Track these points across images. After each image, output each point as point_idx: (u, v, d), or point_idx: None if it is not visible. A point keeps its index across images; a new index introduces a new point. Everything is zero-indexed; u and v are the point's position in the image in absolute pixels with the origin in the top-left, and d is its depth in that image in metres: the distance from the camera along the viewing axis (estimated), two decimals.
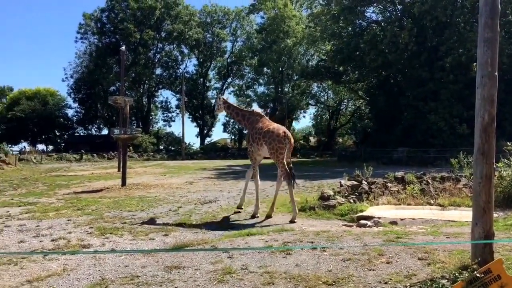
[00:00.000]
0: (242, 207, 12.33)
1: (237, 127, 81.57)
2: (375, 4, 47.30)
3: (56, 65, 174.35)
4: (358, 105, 73.26)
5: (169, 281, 5.50)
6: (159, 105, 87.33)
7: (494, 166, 5.33)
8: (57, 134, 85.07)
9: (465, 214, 9.62)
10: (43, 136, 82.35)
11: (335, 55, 49.42)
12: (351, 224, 9.69)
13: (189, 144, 77.80)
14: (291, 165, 11.35)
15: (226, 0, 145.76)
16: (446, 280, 4.88)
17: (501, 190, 11.41)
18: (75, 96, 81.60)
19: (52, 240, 8.35)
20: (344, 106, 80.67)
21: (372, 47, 42.85)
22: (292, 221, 10.29)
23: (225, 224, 9.86)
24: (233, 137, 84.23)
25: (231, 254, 6.67)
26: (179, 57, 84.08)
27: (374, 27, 48.50)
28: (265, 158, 12.14)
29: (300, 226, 9.38)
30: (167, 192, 17.41)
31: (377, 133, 47.21)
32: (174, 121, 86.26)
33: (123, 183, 20.49)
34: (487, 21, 5.13)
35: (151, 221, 10.48)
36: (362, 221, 9.54)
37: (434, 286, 4.79)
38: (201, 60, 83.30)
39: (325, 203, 11.51)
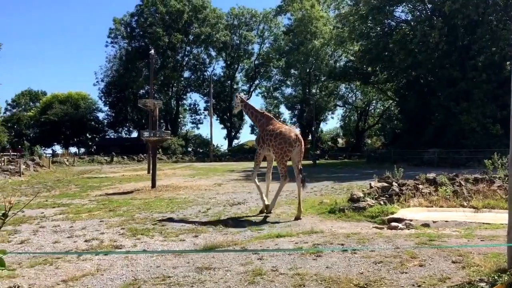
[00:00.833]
0: (271, 210, 12.16)
1: None
2: (404, 4, 46.72)
3: (87, 70, 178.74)
4: (387, 106, 72.40)
5: (200, 282, 5.54)
6: (187, 108, 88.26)
7: None
8: (89, 137, 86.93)
9: (500, 217, 9.37)
10: (75, 139, 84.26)
11: (363, 55, 49.01)
12: (381, 226, 9.55)
13: (217, 146, 78.26)
14: (301, 167, 11.82)
15: (253, 2, 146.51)
16: (484, 283, 4.76)
17: None
18: (106, 99, 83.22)
19: (86, 241, 8.52)
20: (372, 107, 79.88)
21: (402, 47, 42.31)
22: (297, 218, 10.86)
23: (254, 226, 9.86)
24: None
25: (261, 256, 6.67)
26: (207, 59, 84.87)
27: (403, 27, 47.83)
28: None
29: (329, 228, 9.30)
30: (196, 193, 17.56)
31: (407, 134, 46.51)
32: (202, 123, 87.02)
33: (153, 185, 20.76)
34: None
35: (181, 223, 10.58)
36: (393, 223, 9.39)
37: None
38: (229, 62, 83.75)
39: (354, 205, 11.38)
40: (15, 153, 51.65)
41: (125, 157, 59.66)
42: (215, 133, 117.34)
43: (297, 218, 11.01)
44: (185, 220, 11.04)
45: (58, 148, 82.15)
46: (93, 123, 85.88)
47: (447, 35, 39.27)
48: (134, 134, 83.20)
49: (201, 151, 74.62)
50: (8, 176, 27.76)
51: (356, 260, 6.23)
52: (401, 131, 52.63)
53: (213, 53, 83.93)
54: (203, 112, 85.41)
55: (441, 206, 11.65)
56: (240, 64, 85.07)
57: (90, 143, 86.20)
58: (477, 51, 38.66)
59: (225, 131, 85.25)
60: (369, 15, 45.30)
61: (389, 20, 48.50)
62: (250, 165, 45.36)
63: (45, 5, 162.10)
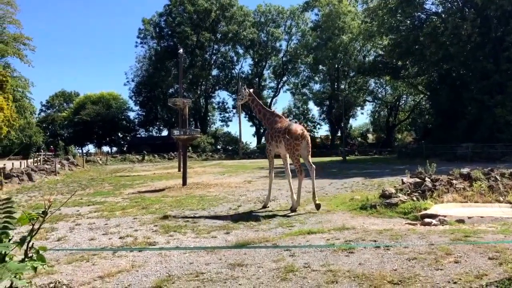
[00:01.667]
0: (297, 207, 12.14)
1: None
2: None
3: (118, 70, 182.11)
4: (418, 100, 71.13)
5: (233, 278, 5.59)
6: (216, 106, 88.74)
7: None
8: (120, 136, 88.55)
9: None
10: (107, 138, 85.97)
11: (393, 49, 48.25)
12: (414, 222, 9.40)
13: (246, 143, 78.48)
14: (311, 162, 12.48)
15: None
16: None
17: None
18: (136, 99, 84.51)
19: (120, 238, 8.71)
20: (403, 101, 78.60)
21: (433, 40, 41.44)
22: (293, 210, 11.58)
23: (285, 222, 9.87)
24: None
25: (293, 252, 6.67)
26: (235, 57, 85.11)
27: (434, 19, 46.82)
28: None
29: (361, 224, 9.22)
30: (227, 191, 17.67)
31: (439, 129, 45.60)
32: (231, 121, 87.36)
33: (184, 182, 21.01)
34: None
35: (212, 220, 10.68)
36: (427, 219, 9.23)
37: None
38: (256, 59, 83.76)
39: (386, 201, 11.23)
40: (50, 153, 53.06)
41: (156, 155, 60.54)
42: (244, 130, 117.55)
43: (318, 207, 11.59)
44: (216, 217, 11.14)
45: (91, 148, 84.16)
46: (124, 122, 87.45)
47: (480, 26, 38.24)
48: (165, 133, 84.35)
49: (230, 148, 74.97)
50: (45, 175, 28.55)
51: (389, 257, 6.17)
52: (432, 126, 51.66)
53: (241, 51, 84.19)
54: (232, 110, 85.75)
55: (476, 202, 11.38)
56: (268, 61, 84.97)
57: (121, 142, 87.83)
58: (511, 43, 37.49)
59: (253, 129, 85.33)
60: (398, 8, 44.52)
61: (419, 13, 47.48)
62: (279, 162, 45.29)
63: (77, 9, 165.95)
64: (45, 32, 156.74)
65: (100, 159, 55.07)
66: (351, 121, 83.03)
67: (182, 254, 7.04)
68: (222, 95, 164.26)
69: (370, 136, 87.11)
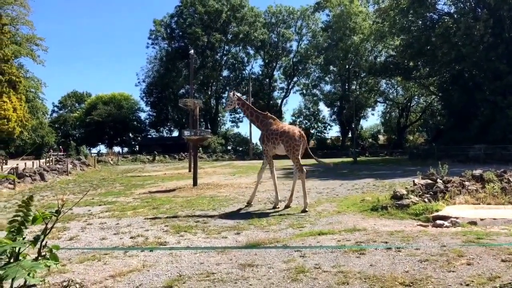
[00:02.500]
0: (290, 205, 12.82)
1: (303, 126, 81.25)
2: None
3: (129, 71, 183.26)
4: (429, 101, 70.64)
5: (244, 278, 5.59)
6: None
7: None
8: (131, 136, 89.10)
9: None
10: (118, 139, 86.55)
11: (404, 50, 47.95)
12: (426, 224, 9.34)
13: (256, 144, 78.36)
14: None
15: (290, 0, 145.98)
16: None
17: None
18: (147, 99, 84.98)
19: (131, 238, 8.75)
20: (414, 102, 78.10)
21: (445, 40, 41.09)
22: (303, 211, 11.66)
23: (295, 223, 9.85)
24: None
25: (303, 253, 6.67)
26: (245, 58, 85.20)
27: (446, 20, 46.43)
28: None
29: (372, 225, 9.18)
30: (237, 191, 17.69)
31: (451, 130, 45.20)
32: (241, 121, 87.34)
33: (195, 183, 21.07)
34: None
35: (223, 220, 10.69)
36: (439, 221, 9.16)
37: None
38: (267, 60, 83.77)
39: (398, 202, 11.17)
40: (62, 153, 53.57)
41: (167, 156, 60.78)
42: (254, 131, 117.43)
43: (304, 210, 11.78)
44: (227, 217, 11.15)
45: (102, 148, 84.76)
46: (135, 123, 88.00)
47: (493, 27, 37.84)
48: (175, 133, 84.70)
49: (240, 149, 75.08)
50: (57, 175, 28.80)
51: (400, 258, 6.14)
52: (444, 127, 51.23)
53: (251, 52, 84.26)
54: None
55: (489, 204, 11.27)
56: (278, 62, 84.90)
57: (132, 143, 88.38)
58: None
59: None
60: (410, 8, 44.21)
61: (431, 13, 47.11)
62: (289, 162, 45.25)
63: (88, 10, 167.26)
64: (57, 33, 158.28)
65: (111, 159, 55.41)
66: (362, 122, 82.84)
67: (192, 254, 7.06)
68: None
69: (381, 137, 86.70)
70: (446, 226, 8.82)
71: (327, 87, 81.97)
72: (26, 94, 59.57)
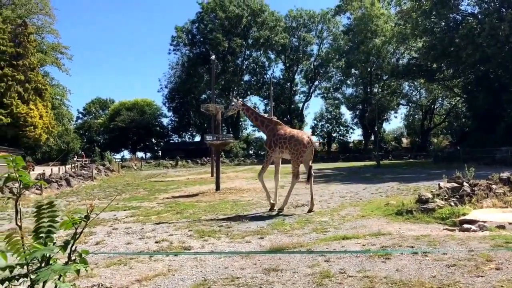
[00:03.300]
0: (284, 208, 13.19)
1: (325, 130, 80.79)
2: None
3: (152, 77, 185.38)
4: (454, 103, 69.52)
5: (268, 283, 5.58)
6: None
7: None
8: (154, 141, 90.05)
9: None
10: (142, 144, 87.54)
11: (427, 52, 47.35)
12: (453, 228, 9.16)
13: None
14: (312, 165, 13.52)
15: (311, 3, 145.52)
16: None
17: None
18: (170, 105, 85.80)
19: (156, 242, 8.83)
20: (438, 104, 76.92)
21: (469, 41, 40.45)
22: (310, 211, 12.37)
23: (319, 228, 9.79)
24: (321, 140, 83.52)
25: (328, 258, 6.62)
26: (266, 62, 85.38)
27: (469, 20, 45.73)
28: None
29: (397, 230, 9.06)
30: (260, 196, 17.68)
31: (476, 132, 44.42)
32: None
33: (217, 187, 21.14)
34: None
35: (246, 224, 10.70)
36: (465, 225, 8.99)
37: None
38: (288, 64, 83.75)
39: (423, 206, 10.99)
40: (81, 159, 54.44)
41: (189, 160, 61.16)
42: None
43: (310, 210, 12.44)
44: (250, 222, 11.15)
45: (126, 153, 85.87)
46: (158, 128, 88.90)
47: None
48: (197, 138, 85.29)
49: (262, 153, 74.96)
50: (82, 180, 29.28)
51: (427, 263, 6.04)
52: (470, 129, 50.41)
53: (272, 56, 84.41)
54: (263, 115, 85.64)
55: None
56: (299, 66, 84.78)
57: (155, 148, 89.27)
58: None
59: None
60: (433, 9, 43.71)
61: (454, 14, 46.48)
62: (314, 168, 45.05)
63: (111, 18, 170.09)
64: (80, 41, 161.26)
65: (135, 165, 56.08)
66: (385, 125, 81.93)
67: (217, 258, 7.09)
68: (254, 100, 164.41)
69: (404, 140, 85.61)
70: (474, 230, 8.65)
71: (349, 90, 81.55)
72: (52, 102, 60.83)
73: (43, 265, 2.97)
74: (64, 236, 7.53)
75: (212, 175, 30.52)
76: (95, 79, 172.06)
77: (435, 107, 76.65)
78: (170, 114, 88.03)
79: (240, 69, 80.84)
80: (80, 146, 74.74)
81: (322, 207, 13.41)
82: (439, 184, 12.98)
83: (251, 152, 77.32)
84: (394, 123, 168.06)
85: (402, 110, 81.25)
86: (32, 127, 49.35)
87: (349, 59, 70.33)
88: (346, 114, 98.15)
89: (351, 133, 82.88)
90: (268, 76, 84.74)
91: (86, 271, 3.11)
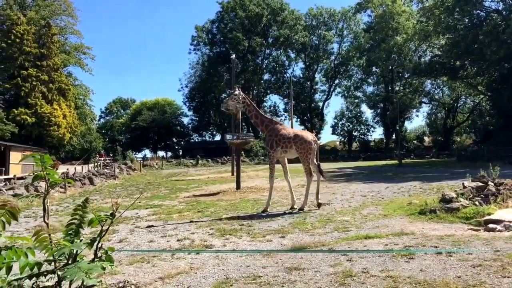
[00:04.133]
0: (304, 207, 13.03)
1: (345, 129, 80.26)
2: None
3: (173, 77, 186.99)
4: (477, 101, 68.31)
5: (290, 282, 5.57)
6: (267, 110, 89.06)
7: None
8: (175, 141, 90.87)
9: None
10: (162, 143, 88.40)
11: (450, 49, 46.64)
12: (477, 228, 9.00)
13: None
14: (319, 162, 13.64)
15: (331, 1, 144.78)
16: None
17: None
18: (190, 104, 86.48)
19: (178, 240, 8.89)
20: (461, 103, 75.75)
21: (493, 38, 39.69)
22: (301, 209, 12.64)
23: (340, 227, 9.73)
24: (342, 139, 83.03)
25: (350, 257, 6.58)
26: (286, 61, 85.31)
27: (494, 17, 44.81)
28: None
29: (420, 229, 8.94)
30: (280, 195, 17.65)
31: (501, 131, 43.59)
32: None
33: (238, 186, 21.20)
34: None
35: (267, 223, 10.70)
36: (491, 225, 8.82)
37: None
38: (308, 63, 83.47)
39: (447, 205, 10.83)
40: (101, 158, 55.18)
41: (210, 159, 61.49)
42: None
43: (319, 205, 12.90)
44: (271, 221, 11.14)
45: (147, 152, 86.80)
46: (178, 127, 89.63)
47: None
48: (217, 137, 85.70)
49: None
50: (104, 179, 29.70)
51: (452, 263, 5.95)
52: (494, 128, 49.49)
53: (292, 55, 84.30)
54: (283, 114, 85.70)
55: None
56: (320, 64, 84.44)
57: (176, 147, 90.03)
58: None
59: None
60: (456, 6, 43.02)
61: (478, 11, 45.67)
62: (332, 165, 44.84)
63: (133, 18, 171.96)
64: (102, 41, 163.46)
65: (156, 164, 56.64)
66: (406, 123, 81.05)
67: (238, 257, 7.10)
68: (274, 99, 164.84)
69: (426, 138, 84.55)
70: (499, 230, 8.49)
71: (370, 89, 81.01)
72: (75, 101, 61.83)
73: (70, 261, 3.02)
74: (88, 233, 7.66)
75: (232, 174, 30.63)
76: (117, 79, 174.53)
77: (458, 105, 75.50)
78: (190, 113, 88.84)
79: (260, 68, 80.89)
80: (102, 145, 75.83)
81: (344, 206, 13.31)
82: (463, 183, 12.76)
83: None
84: (416, 121, 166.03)
85: (424, 109, 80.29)
86: (56, 126, 50.25)
87: (370, 57, 69.74)
88: (367, 112, 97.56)
89: (372, 132, 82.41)
90: (288, 75, 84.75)
91: (112, 268, 3.17)
